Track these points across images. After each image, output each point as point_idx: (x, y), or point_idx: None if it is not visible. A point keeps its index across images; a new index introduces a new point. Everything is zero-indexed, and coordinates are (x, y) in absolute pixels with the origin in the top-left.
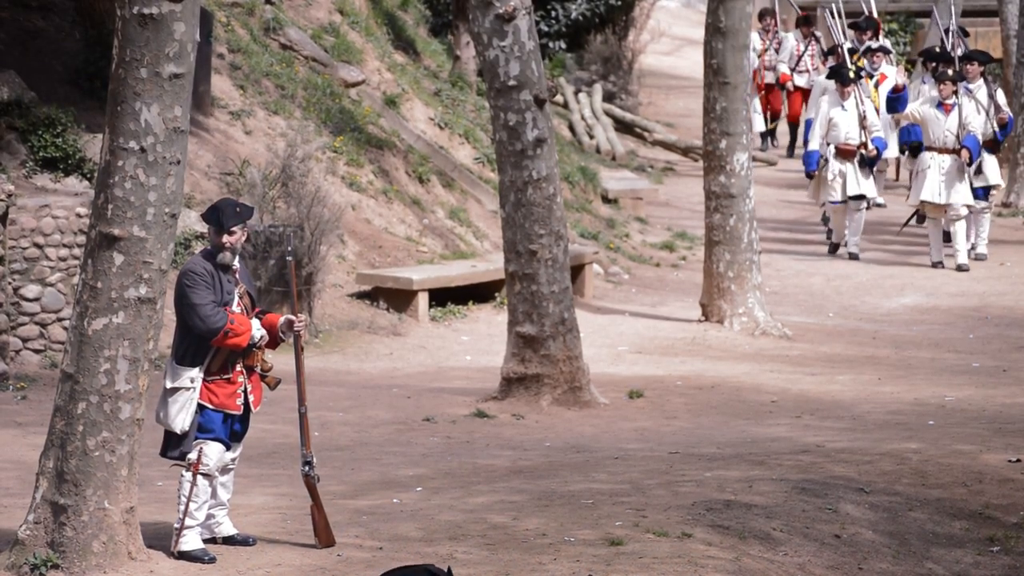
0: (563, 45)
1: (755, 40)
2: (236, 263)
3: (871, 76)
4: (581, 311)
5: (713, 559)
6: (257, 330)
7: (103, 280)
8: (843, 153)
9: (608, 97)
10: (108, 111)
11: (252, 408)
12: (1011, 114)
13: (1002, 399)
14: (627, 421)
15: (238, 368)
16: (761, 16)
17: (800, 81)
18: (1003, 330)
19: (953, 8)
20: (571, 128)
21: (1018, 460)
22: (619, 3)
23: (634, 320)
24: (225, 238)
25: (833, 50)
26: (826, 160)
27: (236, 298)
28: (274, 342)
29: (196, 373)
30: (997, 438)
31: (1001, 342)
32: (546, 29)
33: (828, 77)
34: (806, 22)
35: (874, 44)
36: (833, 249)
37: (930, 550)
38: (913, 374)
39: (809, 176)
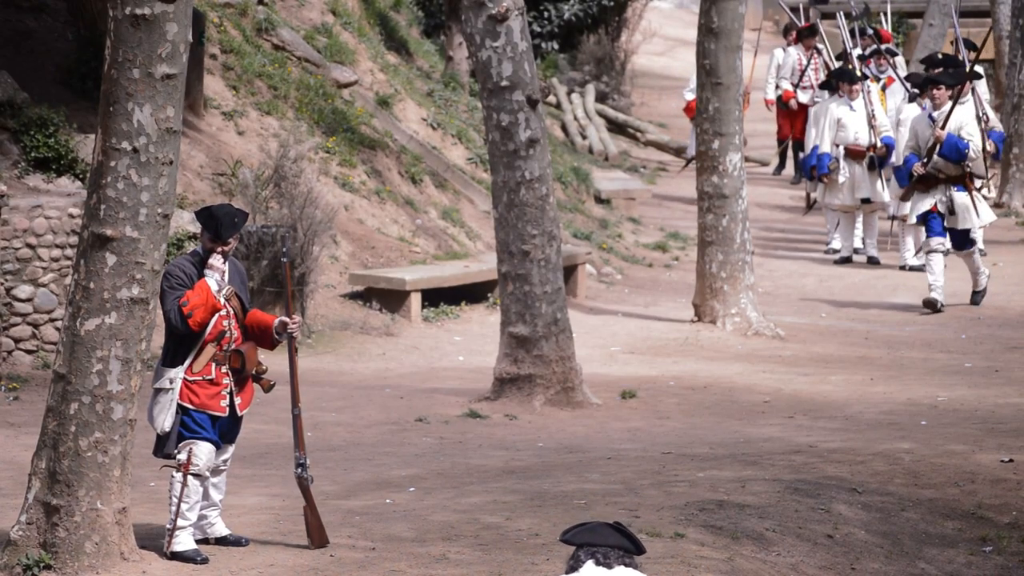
0: (556, 46)
1: (778, 56)
2: (224, 264)
3: (877, 79)
4: (574, 311)
5: (706, 559)
6: (211, 280)
7: (95, 280)
8: (853, 154)
9: (601, 98)
10: (100, 111)
11: (238, 411)
12: (996, 127)
13: (994, 399)
14: (620, 421)
15: (223, 370)
16: (786, 31)
17: (803, 98)
18: (995, 330)
19: (956, 20)
20: (564, 129)
21: (1011, 460)
22: (612, 4)
23: (627, 320)
24: (220, 246)
25: (841, 56)
26: (837, 161)
27: (223, 300)
28: (270, 343)
29: (175, 373)
30: (990, 438)
31: (993, 342)
32: (539, 29)
33: (833, 77)
34: (809, 34)
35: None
36: (845, 261)
37: (923, 550)
38: (905, 374)
39: (821, 180)
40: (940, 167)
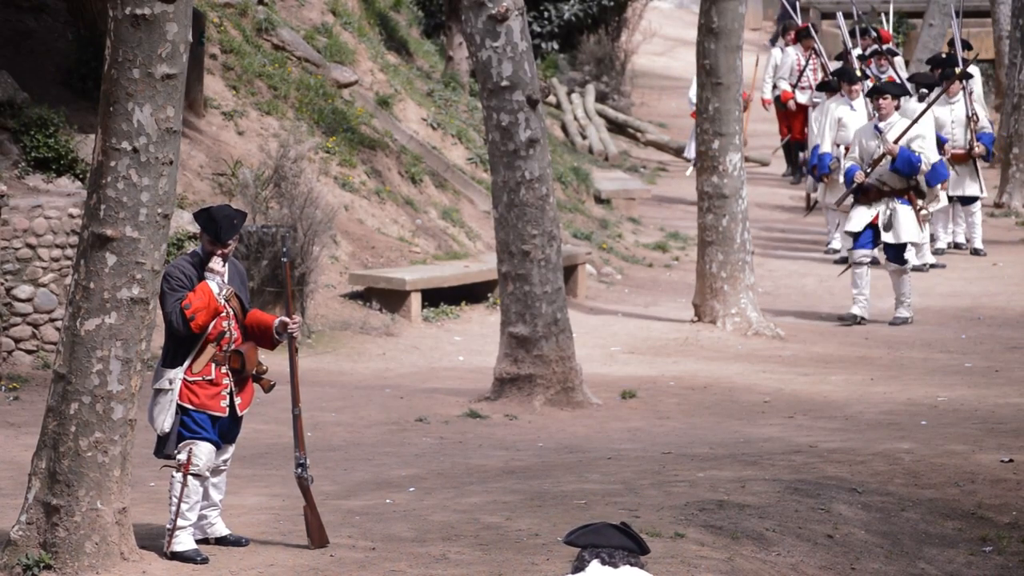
0: (556, 46)
1: (775, 56)
2: (224, 267)
3: (878, 79)
4: (574, 311)
5: (706, 559)
6: (212, 283)
7: (96, 280)
8: None
9: (601, 98)
10: (100, 111)
11: (238, 411)
12: (986, 129)
13: (994, 399)
14: (620, 421)
15: (223, 370)
16: (785, 31)
17: (802, 98)
18: (995, 330)
19: (955, 20)
20: (564, 129)
21: (1011, 460)
22: (612, 4)
23: (627, 320)
24: (220, 249)
25: (841, 56)
26: (838, 161)
27: (222, 301)
28: (270, 343)
29: (175, 374)
30: (990, 438)
31: (993, 342)
32: (539, 30)
33: (834, 76)
34: (807, 35)
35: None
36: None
37: (923, 550)
38: (905, 374)
39: (821, 180)
40: (885, 179)
